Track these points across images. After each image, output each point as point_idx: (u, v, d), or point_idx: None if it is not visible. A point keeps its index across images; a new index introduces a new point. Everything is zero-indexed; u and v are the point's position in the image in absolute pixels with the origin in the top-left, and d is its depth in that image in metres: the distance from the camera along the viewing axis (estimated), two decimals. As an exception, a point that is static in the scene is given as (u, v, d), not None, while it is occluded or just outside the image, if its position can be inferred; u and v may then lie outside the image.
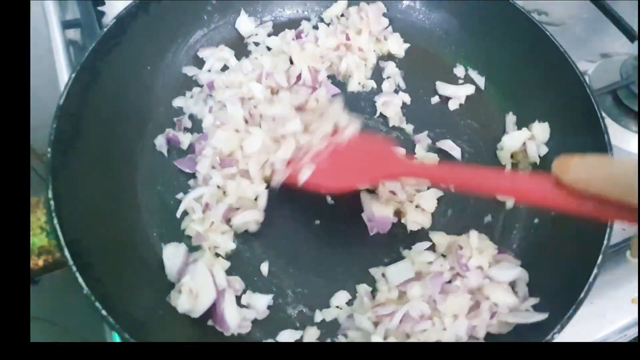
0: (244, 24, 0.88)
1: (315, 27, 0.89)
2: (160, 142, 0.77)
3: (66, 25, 0.98)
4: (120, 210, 0.69)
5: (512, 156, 0.81)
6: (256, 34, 0.89)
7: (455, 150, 0.80)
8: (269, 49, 0.87)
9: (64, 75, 0.89)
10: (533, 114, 0.81)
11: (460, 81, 0.88)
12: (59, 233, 0.57)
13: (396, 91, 0.86)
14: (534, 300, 0.63)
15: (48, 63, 1.44)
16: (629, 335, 0.76)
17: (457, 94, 0.85)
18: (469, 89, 0.86)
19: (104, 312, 0.54)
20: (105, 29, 0.74)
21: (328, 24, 0.90)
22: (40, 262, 0.57)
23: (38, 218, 0.59)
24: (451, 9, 0.89)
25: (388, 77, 0.87)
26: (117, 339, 0.65)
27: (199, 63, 0.85)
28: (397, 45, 0.88)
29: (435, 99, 0.86)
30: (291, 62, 0.84)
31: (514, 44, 0.83)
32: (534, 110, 0.81)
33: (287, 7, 0.92)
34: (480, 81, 0.87)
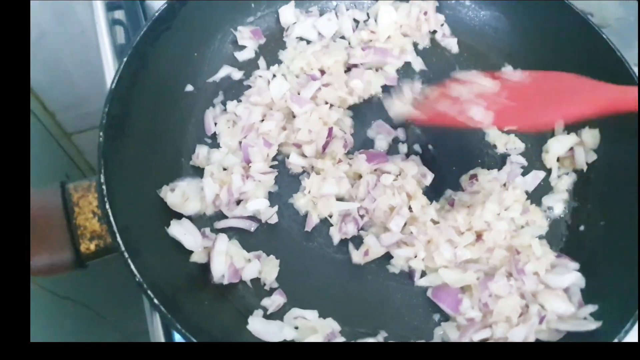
0: (287, 13, 0.86)
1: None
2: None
3: (110, 7, 0.97)
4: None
5: (557, 159, 0.79)
6: (294, 22, 0.87)
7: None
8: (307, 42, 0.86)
9: (108, 56, 0.88)
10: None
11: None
12: (111, 219, 0.57)
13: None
14: (591, 308, 0.61)
15: (83, 43, 1.45)
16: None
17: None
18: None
19: (156, 301, 0.54)
20: (156, 14, 0.73)
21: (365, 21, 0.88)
22: (92, 247, 0.57)
23: (90, 202, 0.59)
24: (502, 7, 0.87)
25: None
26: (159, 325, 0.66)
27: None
28: (453, 43, 0.88)
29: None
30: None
31: (567, 46, 0.81)
32: (585, 115, 0.79)
33: (335, -1, 0.90)
34: (530, 83, 0.85)
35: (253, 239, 0.70)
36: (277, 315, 0.65)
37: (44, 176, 1.46)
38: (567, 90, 0.65)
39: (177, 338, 0.66)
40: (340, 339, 0.62)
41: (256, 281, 0.67)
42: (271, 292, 0.66)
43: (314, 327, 0.62)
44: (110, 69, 0.86)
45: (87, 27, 1.41)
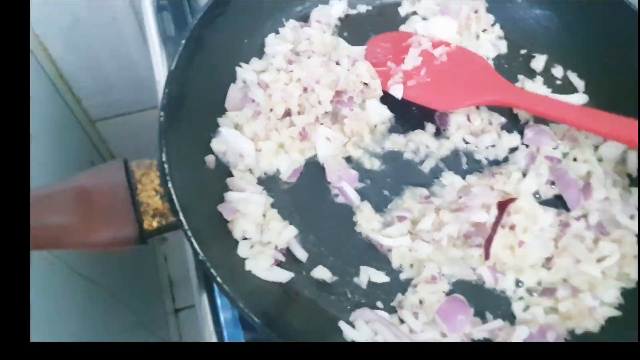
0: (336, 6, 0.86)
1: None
2: None
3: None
4: (221, 176, 0.70)
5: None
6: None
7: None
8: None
9: (154, 42, 0.88)
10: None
11: (558, 82, 0.85)
12: (174, 196, 0.57)
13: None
14: None
15: (115, 31, 1.46)
16: None
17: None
18: (581, 99, 0.83)
19: (219, 279, 0.54)
20: (212, -2, 0.73)
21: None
22: (155, 224, 0.57)
23: (152, 180, 0.59)
24: (555, 6, 0.86)
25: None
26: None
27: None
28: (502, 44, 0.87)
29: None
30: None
31: (622, 49, 0.80)
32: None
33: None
34: (580, 85, 0.84)
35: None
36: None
37: (69, 161, 1.47)
38: (476, 78, 0.79)
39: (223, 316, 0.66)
40: None
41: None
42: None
43: None
44: (157, 55, 0.87)
45: (119, 15, 1.42)
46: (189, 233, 0.55)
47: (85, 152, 1.64)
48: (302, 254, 0.67)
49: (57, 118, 1.48)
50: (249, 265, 0.62)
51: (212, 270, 0.54)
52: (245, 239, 0.65)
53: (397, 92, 0.79)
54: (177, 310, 1.99)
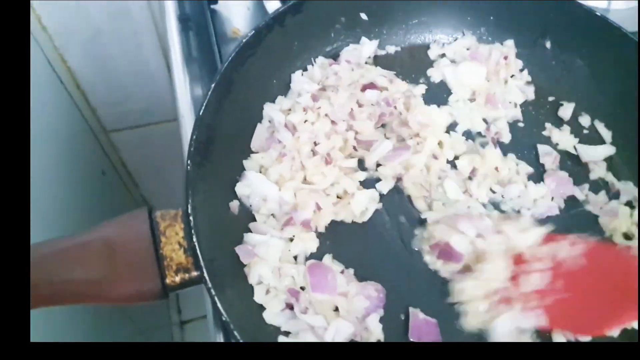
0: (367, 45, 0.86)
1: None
2: None
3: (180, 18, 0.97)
4: (244, 222, 0.68)
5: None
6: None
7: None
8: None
9: (178, 60, 0.87)
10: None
11: (585, 131, 0.84)
12: (199, 253, 0.56)
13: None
14: None
15: (135, 44, 1.47)
16: None
17: (595, 156, 0.81)
18: (608, 150, 0.82)
19: (242, 342, 0.53)
20: (243, 40, 0.72)
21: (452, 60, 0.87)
22: (178, 279, 0.56)
23: (176, 233, 0.58)
24: (586, 54, 0.85)
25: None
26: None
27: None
28: (530, 90, 0.86)
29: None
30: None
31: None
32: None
33: (412, 34, 0.89)
34: (607, 135, 0.83)
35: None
36: None
37: (80, 169, 1.48)
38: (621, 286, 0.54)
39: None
40: None
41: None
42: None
43: None
44: (179, 75, 0.86)
45: (140, 29, 1.43)
46: (213, 292, 0.54)
47: (97, 162, 1.65)
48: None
49: (71, 127, 1.49)
50: (267, 318, 0.61)
51: (236, 333, 0.53)
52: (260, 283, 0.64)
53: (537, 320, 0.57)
54: (182, 322, 1.99)
